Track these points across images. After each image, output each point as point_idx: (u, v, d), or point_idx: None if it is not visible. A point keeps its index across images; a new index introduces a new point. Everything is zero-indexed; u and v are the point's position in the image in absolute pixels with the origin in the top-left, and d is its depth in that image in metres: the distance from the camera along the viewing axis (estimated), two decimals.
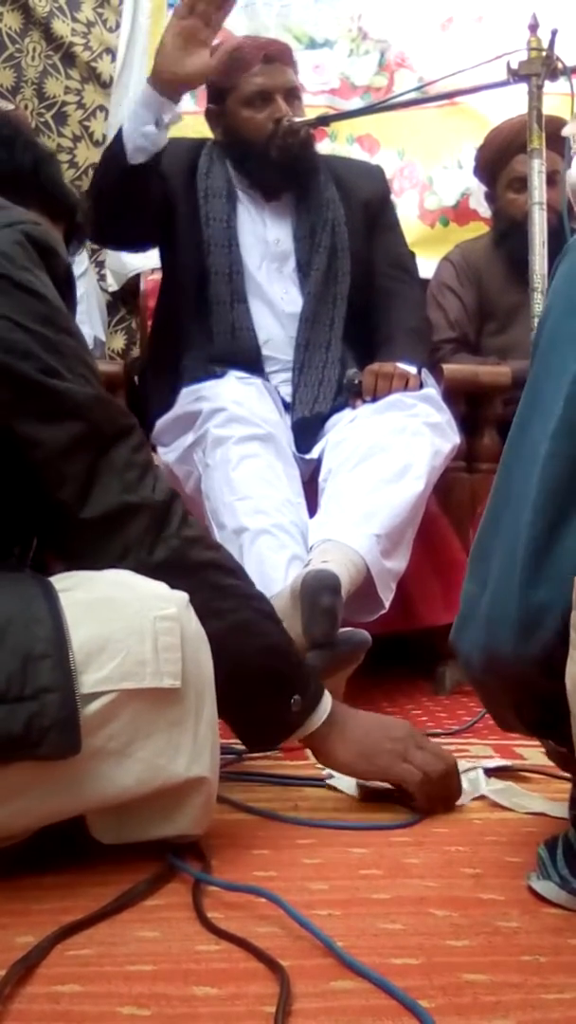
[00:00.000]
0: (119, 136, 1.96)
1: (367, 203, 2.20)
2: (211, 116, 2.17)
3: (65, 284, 1.10)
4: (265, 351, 2.07)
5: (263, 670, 1.10)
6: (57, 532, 1.06)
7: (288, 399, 2.05)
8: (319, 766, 1.37)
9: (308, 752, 1.46)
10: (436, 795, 1.17)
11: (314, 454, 1.97)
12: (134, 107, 1.96)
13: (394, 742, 1.17)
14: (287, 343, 2.08)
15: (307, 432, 2.00)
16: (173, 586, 1.00)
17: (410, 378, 1.99)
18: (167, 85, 1.90)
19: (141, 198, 1.99)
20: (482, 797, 1.23)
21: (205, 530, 1.12)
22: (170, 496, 1.07)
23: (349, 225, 2.14)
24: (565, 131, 1.18)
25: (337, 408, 2.01)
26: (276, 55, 2.12)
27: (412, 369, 2.02)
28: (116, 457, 1.04)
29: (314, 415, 2.00)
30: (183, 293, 2.09)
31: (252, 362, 2.04)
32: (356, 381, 2.00)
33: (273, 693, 1.11)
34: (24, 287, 1.02)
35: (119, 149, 1.94)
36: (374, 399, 1.97)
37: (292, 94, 2.12)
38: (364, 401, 1.98)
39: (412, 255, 2.29)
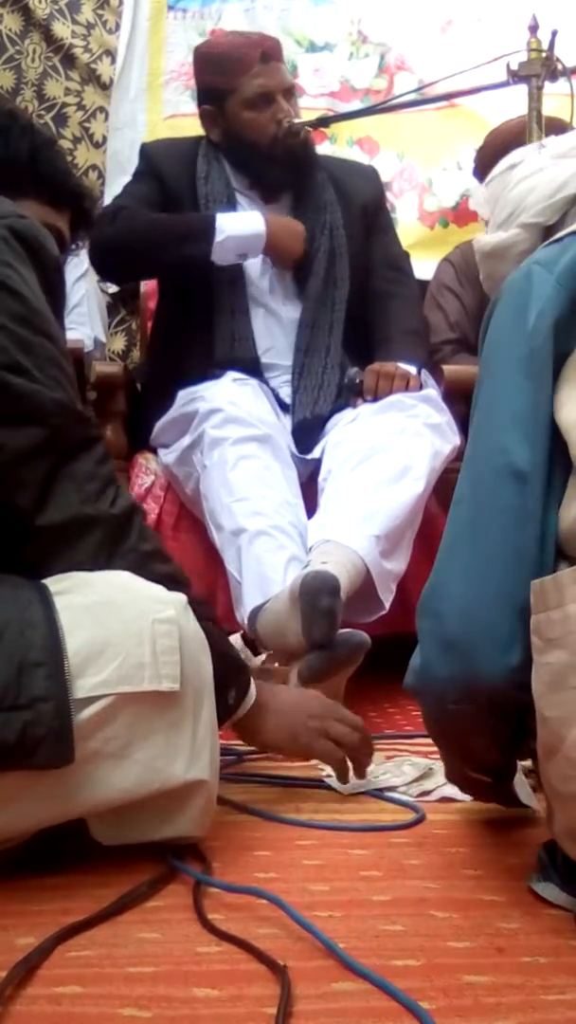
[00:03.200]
0: (212, 228, 1.99)
1: (365, 206, 2.20)
2: (208, 118, 2.15)
3: (54, 277, 1.08)
4: (265, 359, 2.07)
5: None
6: (11, 539, 1.02)
7: (287, 400, 2.05)
8: (320, 767, 1.37)
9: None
10: (357, 764, 1.25)
11: (315, 454, 1.97)
12: (241, 233, 2.00)
13: (314, 719, 1.22)
14: (287, 348, 2.07)
15: (308, 433, 2.00)
16: None
17: (410, 378, 1.99)
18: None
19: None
20: None
21: (161, 543, 1.11)
22: (129, 510, 1.04)
23: (347, 229, 2.14)
24: (472, 203, 1.20)
25: (337, 409, 2.01)
26: (271, 53, 2.11)
27: (412, 369, 2.03)
28: (77, 468, 1.02)
29: (315, 417, 2.00)
30: (184, 299, 2.08)
31: (251, 370, 2.04)
32: (357, 380, 2.00)
33: (216, 692, 1.11)
34: (3, 285, 1.01)
35: (207, 247, 1.98)
36: (375, 399, 1.97)
37: (290, 92, 2.12)
38: (365, 400, 1.98)
39: (407, 255, 2.29)
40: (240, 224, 2.01)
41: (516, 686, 0.87)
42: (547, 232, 1.09)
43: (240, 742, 1.48)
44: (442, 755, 1.11)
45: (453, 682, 0.92)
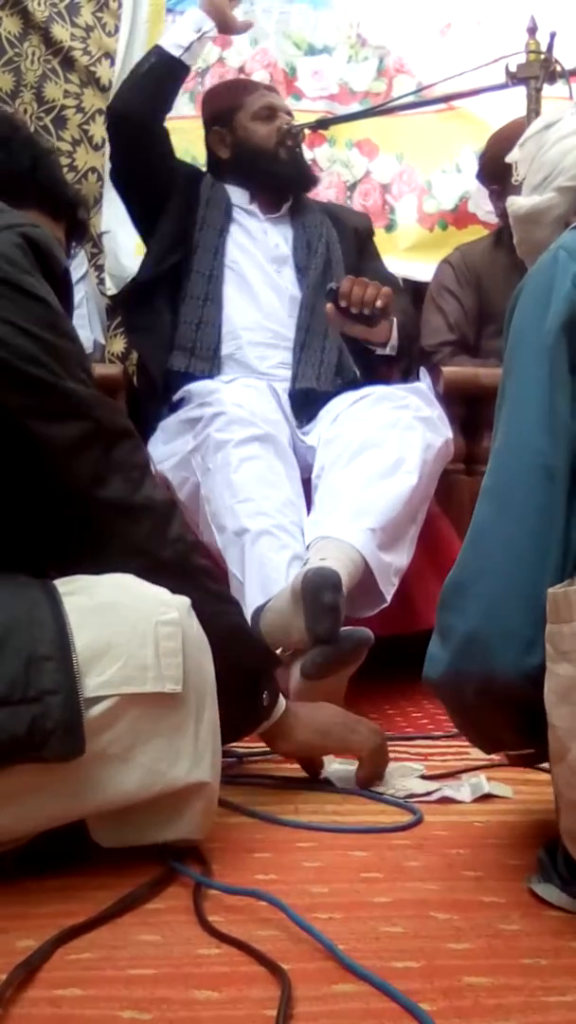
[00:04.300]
0: (155, 46, 2.18)
1: (357, 230, 2.36)
2: (217, 137, 2.30)
3: (62, 285, 1.10)
4: (253, 336, 2.12)
5: (247, 671, 1.12)
6: (75, 521, 1.05)
7: (286, 385, 2.08)
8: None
9: None
10: (381, 762, 1.29)
11: (311, 440, 1.98)
12: (174, 25, 2.22)
13: (340, 717, 1.28)
14: (286, 324, 2.13)
15: (306, 406, 2.04)
16: (172, 587, 1.00)
17: (383, 290, 2.02)
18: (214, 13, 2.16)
19: (168, 94, 2.16)
20: (484, 798, 1.23)
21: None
22: (169, 500, 1.10)
23: (342, 245, 2.27)
24: (509, 157, 1.19)
25: (335, 393, 2.04)
26: (273, 89, 2.44)
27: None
28: (119, 456, 1.05)
29: (321, 392, 2.05)
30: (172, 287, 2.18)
31: (209, 360, 2.09)
32: (334, 287, 2.03)
33: (251, 691, 1.15)
34: (27, 292, 1.03)
35: (155, 48, 2.17)
36: (348, 307, 1.99)
37: (291, 117, 2.33)
38: (339, 307, 2.00)
39: (397, 279, 2.44)
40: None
41: (534, 685, 0.87)
42: None
43: (239, 744, 1.48)
44: (470, 741, 1.09)
45: (471, 678, 0.92)
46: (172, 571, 1.04)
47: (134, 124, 2.14)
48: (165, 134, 2.20)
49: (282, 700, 1.20)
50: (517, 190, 2.60)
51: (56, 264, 1.09)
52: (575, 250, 0.94)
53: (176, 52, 2.12)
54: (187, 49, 2.12)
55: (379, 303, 2.00)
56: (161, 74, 2.13)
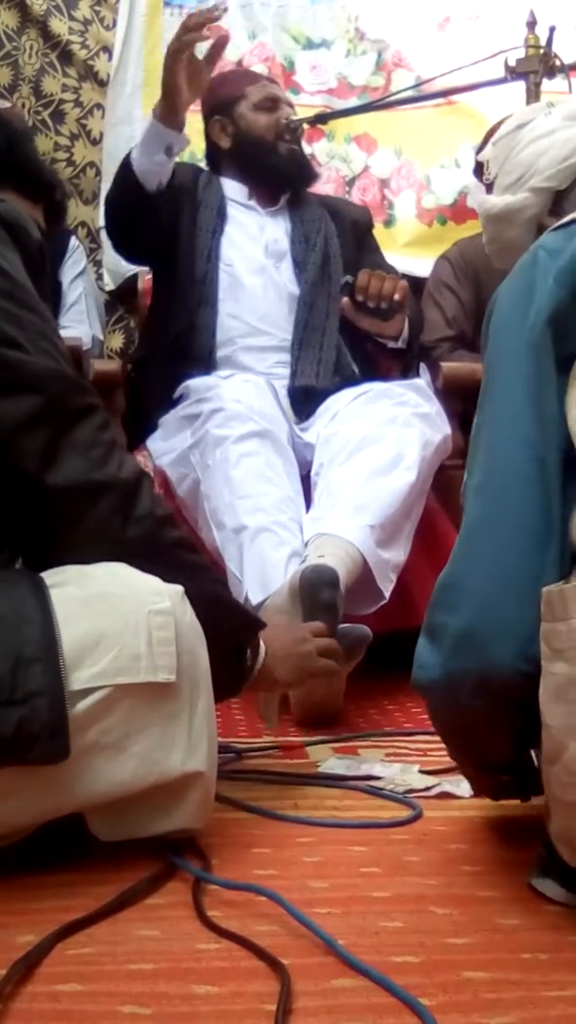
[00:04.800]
0: (129, 163, 2.06)
1: (356, 222, 2.34)
2: (218, 127, 2.27)
3: (37, 259, 1.08)
4: (248, 340, 2.12)
5: (228, 637, 1.12)
6: (28, 508, 1.01)
7: (285, 383, 2.08)
8: (318, 764, 1.37)
9: (308, 751, 1.46)
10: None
11: (310, 437, 1.98)
12: (142, 140, 2.07)
13: (299, 644, 1.28)
14: (284, 322, 2.12)
15: (305, 403, 2.04)
16: (144, 566, 1.00)
17: (400, 283, 2.04)
18: (172, 113, 2.00)
19: (153, 220, 2.11)
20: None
21: (169, 508, 1.13)
22: (138, 474, 1.05)
23: (340, 239, 2.26)
24: (480, 156, 1.19)
25: (335, 389, 2.04)
26: (275, 81, 2.42)
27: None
28: (79, 435, 1.01)
29: (320, 389, 2.05)
30: (170, 293, 2.18)
31: (204, 361, 2.09)
32: (350, 280, 2.03)
33: (234, 654, 1.15)
34: None
35: (132, 177, 2.05)
36: (364, 302, 2.01)
37: (293, 109, 2.31)
38: (355, 301, 2.02)
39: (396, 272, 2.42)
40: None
41: (532, 681, 0.86)
42: (557, 196, 1.07)
43: (238, 740, 1.48)
44: (450, 752, 1.08)
45: (467, 676, 0.91)
46: (139, 550, 1.02)
47: (131, 230, 2.14)
48: (164, 209, 2.12)
49: (262, 649, 1.19)
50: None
51: (28, 238, 1.07)
52: (555, 249, 0.95)
53: (152, 186, 2.03)
54: (159, 173, 2.04)
55: (396, 296, 2.01)
56: (141, 206, 2.06)
